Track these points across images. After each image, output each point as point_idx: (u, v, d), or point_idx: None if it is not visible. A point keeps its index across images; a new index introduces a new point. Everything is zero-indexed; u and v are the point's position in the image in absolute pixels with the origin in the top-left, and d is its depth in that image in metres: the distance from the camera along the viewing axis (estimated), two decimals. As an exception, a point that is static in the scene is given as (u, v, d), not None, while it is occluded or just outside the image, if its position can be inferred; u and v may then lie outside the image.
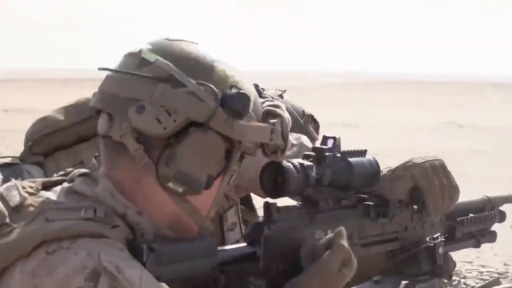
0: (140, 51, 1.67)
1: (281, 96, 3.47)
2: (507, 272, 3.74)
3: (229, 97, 1.65)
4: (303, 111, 3.02)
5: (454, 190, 2.26)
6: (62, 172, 1.79)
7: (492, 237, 2.72)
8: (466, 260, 4.08)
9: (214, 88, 1.63)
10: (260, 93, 3.39)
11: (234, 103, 1.64)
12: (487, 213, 2.66)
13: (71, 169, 1.78)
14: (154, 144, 1.62)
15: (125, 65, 1.67)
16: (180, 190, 1.64)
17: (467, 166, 16.48)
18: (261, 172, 1.93)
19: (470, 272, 3.69)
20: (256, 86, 3.42)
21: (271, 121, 1.78)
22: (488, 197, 2.74)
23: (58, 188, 1.69)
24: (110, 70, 1.68)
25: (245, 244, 1.87)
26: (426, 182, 2.23)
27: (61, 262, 1.47)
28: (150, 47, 1.68)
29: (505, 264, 3.93)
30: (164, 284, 1.55)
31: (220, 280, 2.68)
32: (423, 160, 2.28)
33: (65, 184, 1.69)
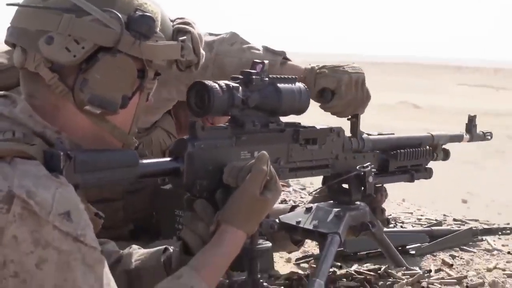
0: None
1: None
2: (445, 221, 3.80)
3: (133, 20, 1.71)
4: None
5: (362, 102, 2.50)
6: None
7: (427, 173, 2.76)
8: (407, 211, 4.15)
9: (118, 14, 1.70)
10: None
11: (139, 25, 1.71)
12: (421, 148, 2.69)
13: None
14: (67, 71, 1.69)
15: None
16: (98, 112, 1.71)
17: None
18: (187, 92, 1.97)
19: (409, 219, 3.76)
20: None
21: (180, 38, 1.83)
22: (431, 134, 2.78)
23: None
24: (18, 5, 1.73)
25: (169, 159, 1.88)
26: (345, 90, 2.43)
27: None
28: None
29: (444, 215, 4.00)
30: (78, 200, 1.57)
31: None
32: (353, 71, 2.44)
33: None
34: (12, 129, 1.63)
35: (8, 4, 1.74)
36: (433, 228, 3.36)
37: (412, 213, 4.07)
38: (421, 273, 2.57)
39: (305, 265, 2.92)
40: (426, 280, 2.55)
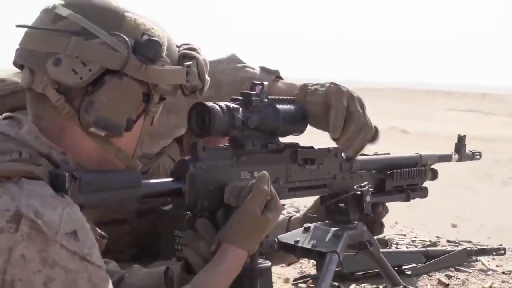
0: (53, 7, 1.75)
1: None
2: (439, 242, 3.84)
3: (140, 44, 1.74)
4: None
5: (366, 125, 2.28)
6: None
7: (423, 193, 2.78)
8: (400, 233, 4.19)
9: (125, 37, 1.72)
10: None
11: (146, 49, 1.74)
12: (417, 168, 2.72)
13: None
14: (74, 93, 1.71)
15: (40, 21, 1.76)
16: (102, 134, 1.73)
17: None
18: (188, 113, 1.99)
19: (403, 240, 3.80)
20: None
21: (186, 63, 1.85)
22: (420, 154, 2.80)
23: None
24: (27, 26, 1.76)
25: (171, 179, 1.91)
26: (335, 100, 2.25)
27: None
28: (62, 2, 1.76)
29: (437, 237, 4.04)
30: (84, 219, 1.59)
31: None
32: (345, 88, 2.35)
33: None
34: (19, 150, 1.65)
35: (17, 26, 1.77)
36: (428, 248, 3.39)
37: (405, 235, 4.11)
38: (418, 292, 2.59)
39: (303, 285, 2.94)
40: (424, 299, 2.58)
